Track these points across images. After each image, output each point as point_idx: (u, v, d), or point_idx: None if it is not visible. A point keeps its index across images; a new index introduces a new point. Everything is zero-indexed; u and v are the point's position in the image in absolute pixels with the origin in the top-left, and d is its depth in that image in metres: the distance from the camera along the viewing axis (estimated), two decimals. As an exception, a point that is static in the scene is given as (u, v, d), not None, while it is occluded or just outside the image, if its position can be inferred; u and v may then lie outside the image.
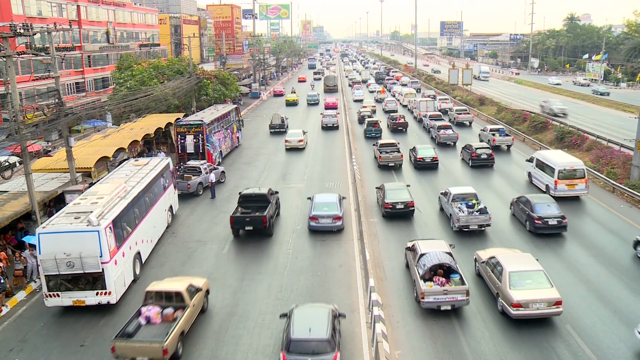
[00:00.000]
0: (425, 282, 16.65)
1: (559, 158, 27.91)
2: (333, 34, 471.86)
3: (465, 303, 16.37)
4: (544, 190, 27.76)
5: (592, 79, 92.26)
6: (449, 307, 16.31)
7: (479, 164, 33.89)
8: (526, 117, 47.73)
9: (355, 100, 69.51)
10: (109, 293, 17.19)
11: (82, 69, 60.16)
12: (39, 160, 29.17)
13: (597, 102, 66.33)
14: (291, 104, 67.53)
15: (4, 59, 19.94)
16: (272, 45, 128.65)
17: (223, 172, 33.07)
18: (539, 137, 42.04)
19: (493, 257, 17.69)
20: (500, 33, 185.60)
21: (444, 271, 17.08)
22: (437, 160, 34.11)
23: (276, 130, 48.54)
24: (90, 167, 26.82)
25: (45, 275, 16.89)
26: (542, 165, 28.57)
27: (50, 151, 36.16)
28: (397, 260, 20.55)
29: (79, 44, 59.65)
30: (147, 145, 37.07)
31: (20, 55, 21.39)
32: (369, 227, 23.82)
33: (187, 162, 32.16)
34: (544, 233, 22.43)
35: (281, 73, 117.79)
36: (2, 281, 17.80)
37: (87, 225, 16.94)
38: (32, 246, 19.98)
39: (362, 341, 15.31)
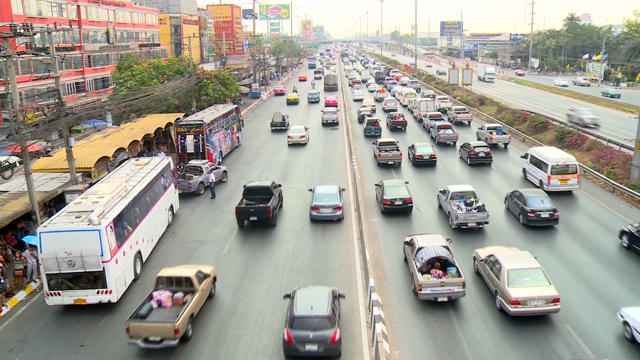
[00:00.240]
0: (422, 274, 17.11)
1: (552, 154, 28.74)
2: (333, 34, 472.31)
3: (462, 295, 16.83)
4: (538, 185, 28.45)
5: (592, 79, 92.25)
6: (445, 299, 16.78)
7: (477, 162, 34.31)
8: (526, 117, 47.75)
9: (355, 100, 69.87)
10: (110, 292, 17.24)
11: (82, 69, 60.17)
12: (39, 160, 29.18)
13: (598, 102, 66.32)
14: (292, 102, 68.30)
15: (4, 59, 19.95)
16: (272, 45, 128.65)
17: (225, 171, 33.13)
18: (539, 137, 42.06)
19: (492, 255, 17.86)
20: (500, 33, 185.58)
21: (441, 264, 17.49)
22: (435, 158, 34.69)
23: (277, 128, 49.33)
24: (90, 167, 26.82)
25: (46, 274, 16.97)
26: (536, 162, 29.34)
27: (49, 151, 36.17)
28: (397, 261, 20.56)
29: (79, 44, 59.65)
30: (147, 145, 37.07)
31: (20, 55, 21.39)
32: (369, 227, 23.83)
33: (189, 162, 32.18)
34: (536, 226, 23.17)
35: (281, 73, 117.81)
36: (2, 281, 17.80)
37: (88, 225, 17.01)
38: (32, 246, 20.01)
39: (362, 341, 15.32)
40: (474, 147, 34.59)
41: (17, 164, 28.96)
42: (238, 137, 43.17)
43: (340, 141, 44.14)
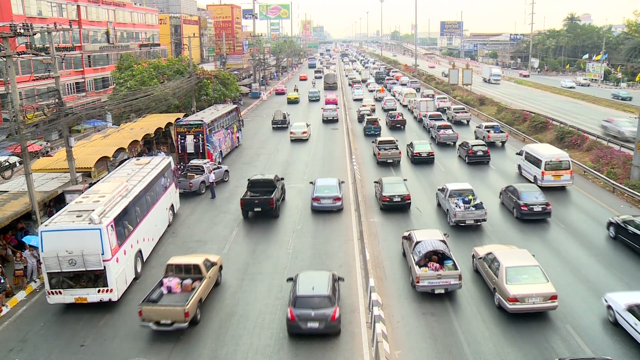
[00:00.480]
0: (420, 267, 17.67)
1: (546, 151, 29.65)
2: (333, 34, 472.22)
3: (458, 287, 17.35)
4: (533, 181, 29.19)
5: (592, 79, 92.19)
6: (442, 291, 17.31)
7: (475, 160, 34.74)
8: (526, 117, 47.76)
9: (355, 100, 70.27)
10: (111, 290, 17.31)
11: (82, 69, 60.15)
12: (39, 160, 29.18)
13: (598, 102, 66.29)
14: (293, 101, 69.45)
15: (4, 59, 19.95)
16: (272, 45, 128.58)
17: (227, 171, 33.22)
18: (539, 137, 42.06)
19: (490, 253, 18.08)
20: (500, 33, 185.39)
21: (438, 257, 18.01)
22: (433, 155, 35.54)
23: (278, 125, 50.76)
24: (90, 167, 26.83)
25: (47, 273, 17.05)
26: (530, 158, 30.17)
27: (49, 152, 36.15)
28: (397, 261, 20.57)
29: (79, 44, 59.64)
30: (147, 145, 37.06)
31: (20, 55, 21.39)
32: (369, 227, 23.84)
33: (191, 161, 32.24)
34: (529, 219, 23.99)
35: (281, 73, 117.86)
36: (2, 281, 17.81)
37: (89, 223, 17.09)
38: (32, 246, 20.02)
39: (362, 341, 15.33)
40: (472, 145, 34.99)
41: (17, 164, 28.95)
42: (238, 137, 43.18)
43: (340, 141, 44.21)
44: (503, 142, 40.85)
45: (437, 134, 41.42)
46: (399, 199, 25.57)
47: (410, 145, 36.81)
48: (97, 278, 17.33)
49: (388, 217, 25.28)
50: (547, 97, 72.98)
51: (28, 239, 20.34)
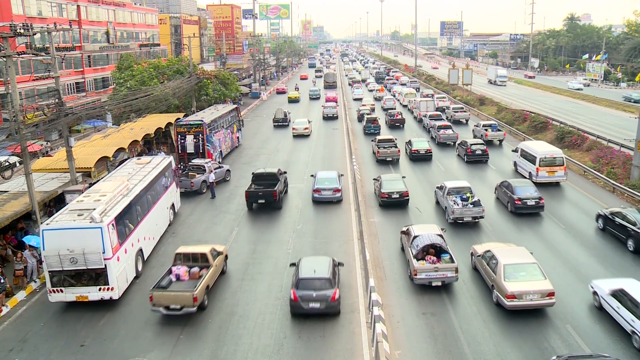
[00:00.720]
0: (418, 261, 18.16)
1: (541, 147, 30.41)
2: (333, 34, 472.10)
3: (455, 279, 17.88)
4: (528, 177, 29.87)
5: (592, 79, 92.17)
6: (439, 283, 17.86)
7: (474, 159, 35.07)
8: (526, 117, 47.79)
9: (355, 99, 70.68)
10: (112, 289, 17.40)
11: (82, 69, 60.14)
12: (39, 160, 29.18)
13: (598, 102, 66.30)
14: (293, 100, 70.65)
15: (4, 59, 19.95)
16: (272, 45, 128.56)
17: (228, 170, 33.28)
18: (539, 137, 42.03)
19: (488, 251, 18.28)
20: (500, 33, 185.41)
21: (435, 251, 18.54)
22: (431, 152, 36.46)
23: (280, 124, 52.05)
24: (90, 167, 26.84)
25: (49, 271, 17.15)
26: (525, 155, 30.90)
27: (49, 152, 36.14)
28: (398, 261, 20.57)
29: (79, 44, 59.63)
30: (147, 145, 37.05)
31: (20, 55, 21.40)
32: (369, 227, 23.85)
33: (192, 161, 32.29)
34: (523, 213, 24.80)
35: (281, 73, 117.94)
36: (2, 281, 17.82)
37: (90, 222, 17.18)
38: (32, 246, 20.04)
39: (362, 341, 15.32)
40: (471, 144, 35.35)
41: (17, 164, 28.96)
42: (238, 137, 43.18)
43: (340, 141, 44.27)
44: (500, 141, 41.53)
45: (437, 134, 41.46)
46: (398, 196, 26.09)
47: (409, 142, 37.54)
48: (98, 276, 17.42)
49: (388, 217, 25.30)
50: (547, 97, 72.98)
51: (28, 239, 20.36)
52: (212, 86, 50.95)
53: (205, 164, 31.08)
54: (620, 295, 15.52)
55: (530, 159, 30.02)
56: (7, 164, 26.10)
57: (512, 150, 33.61)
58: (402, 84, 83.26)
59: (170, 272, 17.94)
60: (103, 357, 15.00)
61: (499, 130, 42.14)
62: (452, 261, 17.96)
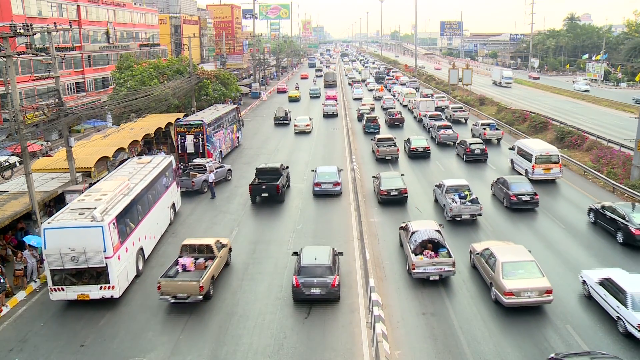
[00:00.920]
0: (416, 255, 18.60)
1: (537, 145, 31.00)
2: (333, 34, 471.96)
3: (452, 273, 18.30)
4: (524, 174, 30.34)
5: (592, 79, 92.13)
6: (437, 277, 18.30)
7: (473, 159, 35.31)
8: (526, 117, 47.81)
9: (355, 99, 70.91)
10: (112, 287, 17.48)
11: (82, 69, 60.13)
12: (39, 160, 29.17)
13: (597, 102, 66.27)
14: (294, 100, 71.60)
15: (4, 59, 19.95)
16: (272, 45, 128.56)
17: (230, 170, 33.30)
18: (539, 137, 41.95)
19: (487, 249, 18.44)
20: (500, 33, 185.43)
21: (433, 246, 18.92)
22: (429, 150, 37.06)
23: (280, 122, 53.10)
24: (90, 167, 26.84)
25: (50, 270, 17.20)
26: (522, 153, 31.45)
27: (49, 152, 36.13)
28: (397, 261, 20.58)
29: (79, 44, 59.61)
30: (147, 145, 37.05)
31: (20, 55, 21.40)
32: (369, 227, 23.85)
33: (194, 160, 32.33)
34: (518, 208, 25.47)
35: (281, 73, 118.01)
36: (2, 281, 17.82)
37: (91, 221, 17.25)
38: (32, 246, 20.05)
39: (362, 341, 15.33)
40: (470, 144, 35.53)
41: (17, 164, 28.97)
42: (238, 137, 43.18)
43: (340, 141, 44.31)
44: (499, 139, 41.99)
45: (437, 134, 41.50)
46: (396, 193, 26.55)
47: (408, 140, 38.28)
48: (99, 275, 17.49)
49: (388, 217, 25.30)
50: (547, 97, 72.97)
51: (28, 239, 20.37)
52: (212, 86, 50.94)
53: (207, 163, 31.11)
54: (607, 284, 16.19)
55: (527, 156, 30.55)
56: (7, 164, 26.12)
57: (509, 148, 34.18)
58: (402, 84, 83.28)
59: (177, 263, 18.55)
60: (103, 357, 15.00)
61: (497, 129, 42.60)
62: (450, 256, 18.40)
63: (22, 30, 20.14)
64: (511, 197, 25.33)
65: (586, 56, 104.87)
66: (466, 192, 24.71)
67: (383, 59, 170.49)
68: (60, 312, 17.54)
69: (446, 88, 73.63)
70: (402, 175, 28.39)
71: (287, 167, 31.05)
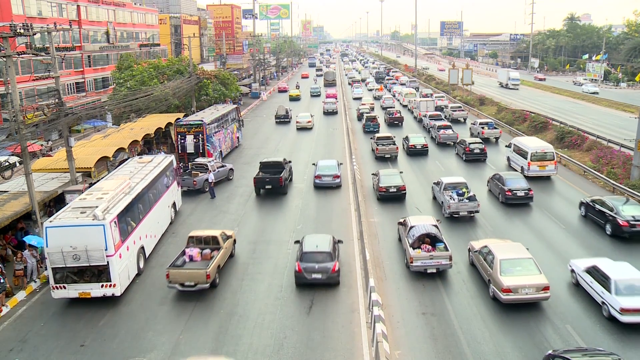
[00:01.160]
0: (414, 249, 19.03)
1: (532, 143, 31.63)
2: (333, 34, 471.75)
3: (449, 267, 18.79)
4: (520, 171, 30.98)
5: (592, 79, 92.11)
6: (434, 270, 18.73)
7: (473, 158, 35.57)
8: (526, 117, 47.83)
9: (355, 99, 71.16)
10: (114, 285, 17.57)
11: (82, 69, 60.12)
12: (39, 160, 29.17)
13: (597, 102, 66.26)
14: (294, 99, 72.60)
15: (4, 59, 19.95)
16: (272, 45, 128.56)
17: (231, 169, 33.38)
18: (539, 137, 41.99)
19: (485, 247, 18.64)
20: (500, 33, 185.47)
21: (431, 240, 19.38)
22: (427, 147, 37.79)
23: (281, 120, 54.29)
24: (90, 167, 26.85)
25: (52, 268, 17.28)
26: (518, 150, 32.13)
27: (49, 152, 36.12)
28: (397, 260, 20.58)
29: (79, 44, 59.60)
30: (147, 145, 37.06)
31: (20, 55, 21.39)
32: (369, 227, 23.85)
33: (195, 159, 32.41)
34: (513, 203, 26.12)
35: (281, 73, 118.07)
36: (2, 281, 17.83)
37: (93, 220, 17.33)
38: (32, 246, 20.05)
39: (362, 341, 15.33)
40: (470, 143, 35.75)
41: (17, 164, 28.97)
42: (238, 137, 43.18)
43: (340, 140, 44.36)
44: (497, 138, 42.48)
45: (437, 134, 41.50)
46: (395, 190, 27.08)
47: (406, 138, 39.00)
48: (100, 273, 17.59)
49: (388, 217, 25.30)
50: (547, 97, 72.98)
51: (28, 239, 20.37)
52: (212, 86, 50.95)
53: (209, 162, 31.15)
54: (593, 271, 17.00)
55: (523, 154, 31.20)
56: (7, 164, 26.13)
57: (506, 146, 34.85)
58: (402, 84, 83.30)
59: (184, 253, 19.24)
60: (103, 357, 15.01)
61: (495, 128, 43.12)
62: (447, 249, 18.91)
63: (22, 30, 20.13)
64: (506, 193, 25.97)
65: (586, 56, 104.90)
66: (464, 190, 25.10)
67: (383, 59, 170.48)
68: (60, 312, 17.54)
69: (446, 88, 73.63)
70: (400, 172, 28.84)
71: (290, 162, 32.21)
